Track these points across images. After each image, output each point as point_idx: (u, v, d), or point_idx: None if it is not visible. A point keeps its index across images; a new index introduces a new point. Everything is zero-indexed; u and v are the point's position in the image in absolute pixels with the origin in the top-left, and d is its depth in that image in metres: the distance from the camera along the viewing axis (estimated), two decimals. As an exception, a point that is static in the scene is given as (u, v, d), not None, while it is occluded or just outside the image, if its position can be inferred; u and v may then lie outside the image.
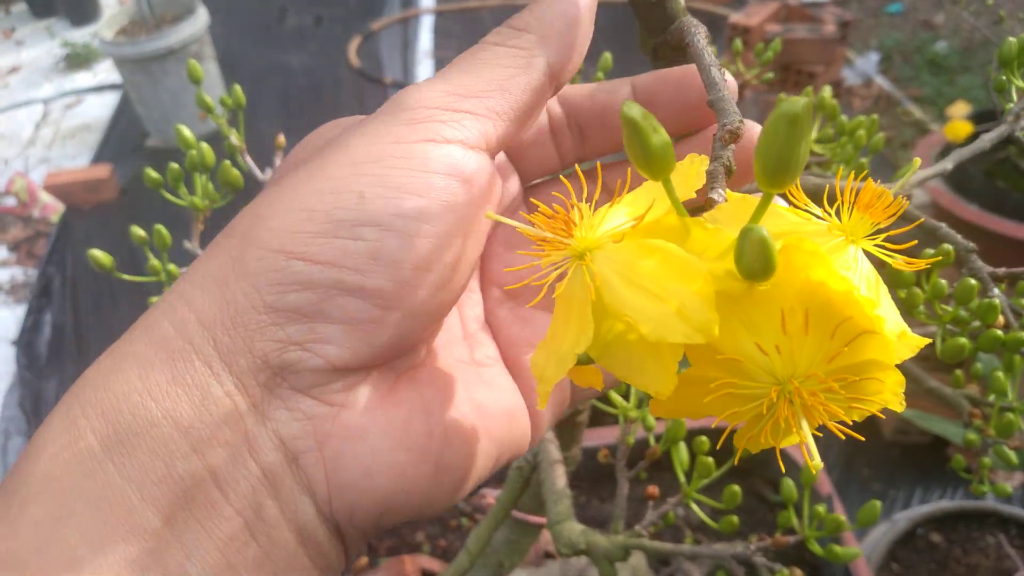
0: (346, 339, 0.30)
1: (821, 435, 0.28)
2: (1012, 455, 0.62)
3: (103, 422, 0.27)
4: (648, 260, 0.27)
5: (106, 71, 4.10)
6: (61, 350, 2.64)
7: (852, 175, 0.30)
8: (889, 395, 0.29)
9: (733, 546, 0.60)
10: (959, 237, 0.48)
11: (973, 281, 0.46)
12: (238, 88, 0.69)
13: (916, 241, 0.28)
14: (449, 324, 0.39)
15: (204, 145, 0.58)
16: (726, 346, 0.27)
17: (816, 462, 0.25)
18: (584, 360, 0.30)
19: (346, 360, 0.30)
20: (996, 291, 0.46)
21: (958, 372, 0.69)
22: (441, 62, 3.84)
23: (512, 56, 0.34)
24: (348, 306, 0.29)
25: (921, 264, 0.28)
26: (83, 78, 4.13)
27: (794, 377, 0.27)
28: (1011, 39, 0.57)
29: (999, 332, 0.46)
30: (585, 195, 0.30)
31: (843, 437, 0.27)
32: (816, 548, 0.59)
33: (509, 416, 0.37)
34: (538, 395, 0.29)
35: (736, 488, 0.58)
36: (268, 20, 4.40)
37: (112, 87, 3.98)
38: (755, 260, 0.25)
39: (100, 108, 3.86)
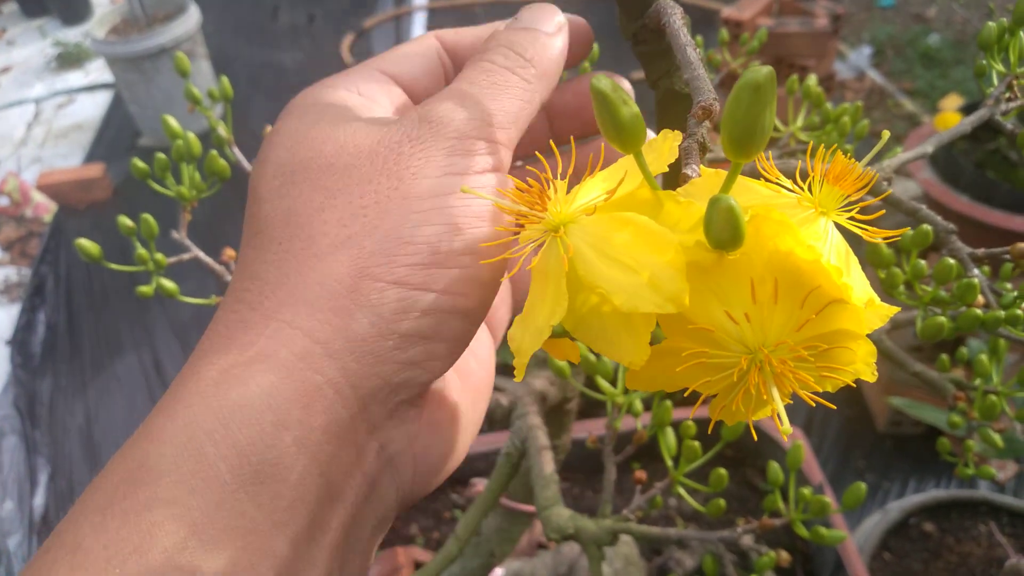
0: (449, 354, 0.34)
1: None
2: (997, 438, 0.63)
3: (235, 453, 0.28)
4: (621, 232, 0.27)
5: (98, 70, 4.10)
6: (55, 349, 2.64)
7: (821, 149, 0.30)
8: (861, 365, 0.29)
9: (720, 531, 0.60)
10: (939, 218, 0.48)
11: (952, 261, 0.46)
12: (225, 80, 0.69)
13: (883, 211, 0.28)
14: None
15: (190, 135, 0.58)
16: (697, 316, 0.27)
17: (786, 427, 0.25)
18: (559, 332, 0.30)
19: (445, 368, 0.34)
20: (976, 271, 0.47)
21: (944, 356, 0.69)
22: (434, 59, 3.84)
23: (522, 89, 0.37)
24: (456, 325, 0.33)
25: (890, 233, 0.28)
26: (75, 77, 4.12)
27: (764, 345, 0.27)
28: (991, 23, 0.57)
29: (978, 311, 0.47)
30: (560, 171, 0.30)
31: (813, 404, 0.27)
32: (802, 530, 0.59)
33: (490, 352, 0.43)
34: (516, 367, 0.30)
35: (723, 471, 0.59)
36: (261, 18, 4.40)
37: (104, 86, 3.98)
38: (724, 229, 0.25)
39: (92, 107, 3.86)
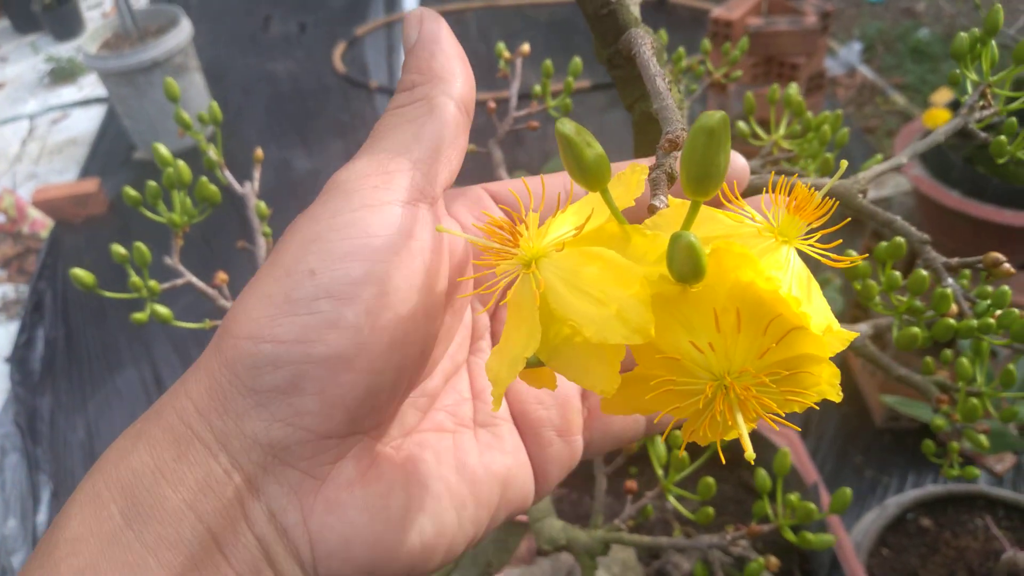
0: (322, 407, 0.32)
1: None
2: (982, 439, 0.64)
3: (122, 495, 0.31)
4: (590, 267, 0.29)
5: (91, 85, 4.11)
6: (54, 365, 2.64)
7: (782, 179, 0.31)
8: (825, 387, 0.30)
9: (711, 537, 0.61)
10: (913, 229, 0.49)
11: (925, 272, 0.47)
12: (215, 104, 0.70)
13: (840, 241, 0.29)
14: (458, 385, 0.42)
15: (180, 163, 0.59)
16: (665, 345, 0.29)
17: (749, 453, 0.27)
18: (535, 363, 0.31)
19: (327, 428, 0.33)
20: (950, 281, 0.48)
21: (928, 359, 0.70)
22: (426, 65, 3.84)
23: (415, 108, 0.36)
24: (318, 376, 0.32)
25: (849, 261, 0.29)
26: (68, 92, 4.13)
27: (729, 372, 0.28)
28: (962, 34, 0.59)
29: (952, 321, 0.48)
30: (532, 205, 0.32)
31: (776, 428, 0.28)
32: (790, 535, 0.60)
33: (504, 478, 0.40)
34: (493, 397, 0.31)
35: (711, 480, 0.60)
36: (253, 29, 4.41)
37: (98, 101, 3.99)
38: (685, 264, 0.26)
39: (86, 122, 3.87)
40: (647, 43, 0.39)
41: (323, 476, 0.33)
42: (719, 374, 0.28)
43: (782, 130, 0.80)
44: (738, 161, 0.40)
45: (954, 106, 2.19)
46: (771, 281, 0.27)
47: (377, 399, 0.33)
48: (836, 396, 0.31)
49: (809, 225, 0.30)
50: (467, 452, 0.39)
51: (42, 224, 3.15)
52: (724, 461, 0.29)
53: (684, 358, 0.28)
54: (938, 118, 1.85)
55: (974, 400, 0.58)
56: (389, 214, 0.33)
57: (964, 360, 0.61)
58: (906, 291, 0.49)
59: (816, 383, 0.30)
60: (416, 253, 0.34)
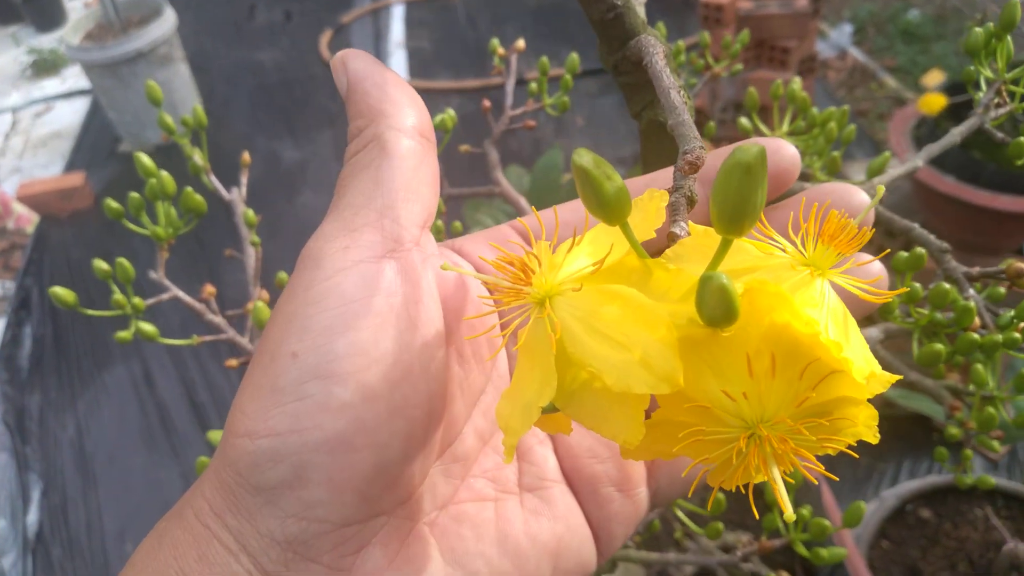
0: (332, 495, 0.30)
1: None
2: (996, 444, 0.62)
3: None
4: (609, 307, 0.26)
5: (75, 77, 4.05)
6: (42, 363, 2.61)
7: (815, 207, 0.29)
8: (862, 428, 0.28)
9: (717, 552, 0.59)
10: (932, 237, 0.47)
11: (947, 285, 0.45)
12: (199, 108, 0.67)
13: (881, 277, 0.27)
14: (499, 445, 0.39)
15: (164, 174, 0.57)
16: (693, 392, 0.26)
17: (789, 514, 0.24)
18: (549, 409, 0.29)
19: (343, 516, 0.30)
20: (971, 291, 0.46)
21: (940, 366, 0.68)
22: (413, 52, 3.81)
23: (367, 153, 0.34)
24: (321, 463, 0.29)
25: (888, 297, 0.27)
26: (51, 85, 4.07)
27: (763, 422, 0.26)
28: (977, 29, 0.56)
29: (975, 336, 0.46)
30: (544, 235, 0.29)
31: (815, 482, 0.26)
32: (803, 551, 0.58)
33: (556, 548, 0.37)
34: (504, 448, 0.28)
35: (721, 496, 0.58)
36: (237, 18, 4.35)
37: (82, 93, 3.93)
38: (716, 308, 0.24)
39: (70, 114, 3.81)
40: (659, 52, 0.37)
41: (348, 567, 0.31)
42: (752, 423, 0.26)
43: (785, 126, 0.78)
44: (787, 151, 0.36)
45: (947, 89, 2.17)
46: (810, 324, 0.25)
47: (389, 475, 0.31)
48: (874, 438, 0.29)
49: (841, 256, 0.28)
50: (510, 522, 0.36)
51: (27, 219, 3.11)
52: (756, 514, 0.27)
53: (714, 406, 0.26)
54: (933, 103, 1.83)
55: (991, 409, 0.56)
56: (364, 274, 0.31)
57: (979, 367, 0.59)
58: (927, 303, 0.47)
59: (853, 425, 0.28)
60: (400, 308, 0.31)
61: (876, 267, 0.35)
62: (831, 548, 0.59)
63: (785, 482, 0.26)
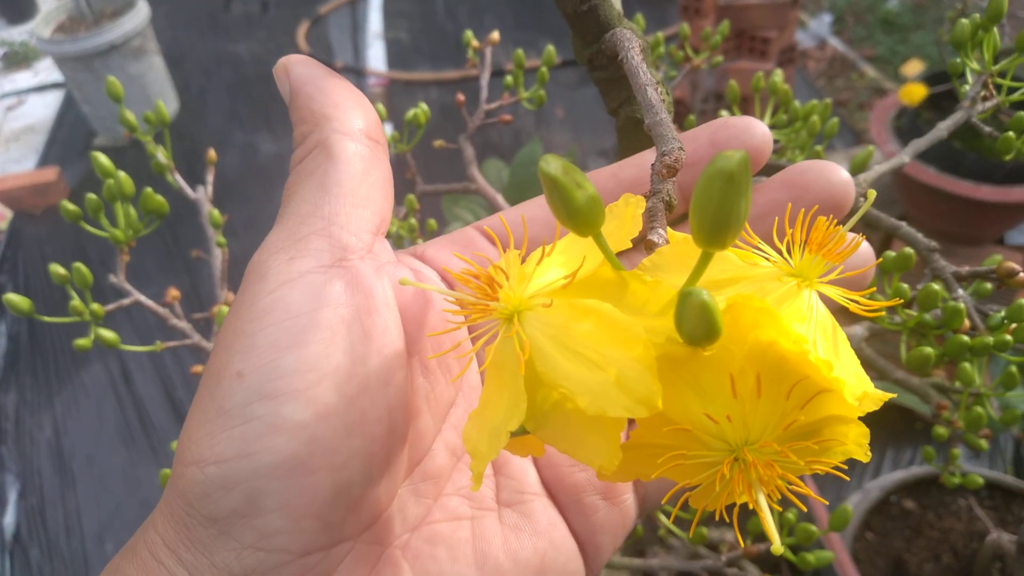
0: (289, 523, 0.28)
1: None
2: (983, 443, 0.61)
3: None
4: (582, 323, 0.24)
5: (47, 70, 3.98)
6: (18, 362, 2.57)
7: (801, 214, 0.27)
8: (853, 447, 0.27)
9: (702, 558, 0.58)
10: (920, 236, 0.45)
11: (937, 287, 0.44)
12: (161, 104, 0.65)
13: (874, 288, 0.25)
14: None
15: (122, 174, 0.54)
16: (674, 413, 0.25)
17: (776, 547, 0.23)
18: (520, 432, 0.27)
19: (302, 544, 0.28)
20: (960, 292, 0.44)
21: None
22: (392, 43, 3.77)
23: (312, 159, 0.32)
24: (274, 489, 0.27)
25: (879, 306, 0.26)
26: (23, 78, 4.00)
27: (747, 445, 0.24)
28: (964, 20, 0.55)
29: (965, 338, 0.44)
30: (512, 245, 0.27)
31: (804, 508, 0.24)
32: (789, 556, 0.57)
33: (539, 565, 0.35)
34: (472, 474, 0.27)
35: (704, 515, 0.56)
36: (213, 9, 4.29)
37: (54, 86, 3.86)
38: (697, 326, 0.22)
39: (43, 108, 3.75)
40: (635, 46, 0.35)
41: None
42: (736, 446, 0.24)
43: (767, 119, 0.76)
44: (757, 130, 0.34)
45: (926, 79, 2.16)
46: (798, 343, 0.23)
47: (351, 497, 0.29)
48: (865, 457, 0.27)
49: (829, 265, 0.27)
50: (489, 541, 0.34)
51: (1, 216, 3.06)
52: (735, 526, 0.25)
53: (696, 429, 0.24)
54: (914, 93, 1.82)
55: (979, 409, 0.55)
56: (310, 286, 0.29)
57: (966, 365, 0.58)
58: (915, 304, 0.46)
59: (843, 443, 0.26)
60: (351, 320, 0.29)
61: (864, 250, 0.34)
62: (817, 552, 0.57)
63: (771, 508, 0.24)
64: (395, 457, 0.31)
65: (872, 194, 0.27)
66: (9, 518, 2.14)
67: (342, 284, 0.30)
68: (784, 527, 0.58)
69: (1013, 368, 0.57)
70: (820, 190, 0.34)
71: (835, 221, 0.26)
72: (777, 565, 1.17)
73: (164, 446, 2.19)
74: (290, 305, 0.29)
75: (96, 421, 2.33)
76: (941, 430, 0.58)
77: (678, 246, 0.27)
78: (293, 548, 0.28)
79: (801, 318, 0.25)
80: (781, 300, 0.26)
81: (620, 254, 0.27)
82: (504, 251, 0.27)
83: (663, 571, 0.80)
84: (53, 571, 2.00)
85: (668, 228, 0.28)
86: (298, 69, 0.33)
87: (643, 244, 0.28)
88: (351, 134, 0.32)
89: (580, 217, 0.24)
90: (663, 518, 0.61)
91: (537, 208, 0.36)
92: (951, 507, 1.44)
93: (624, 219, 0.28)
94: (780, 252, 0.27)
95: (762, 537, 0.59)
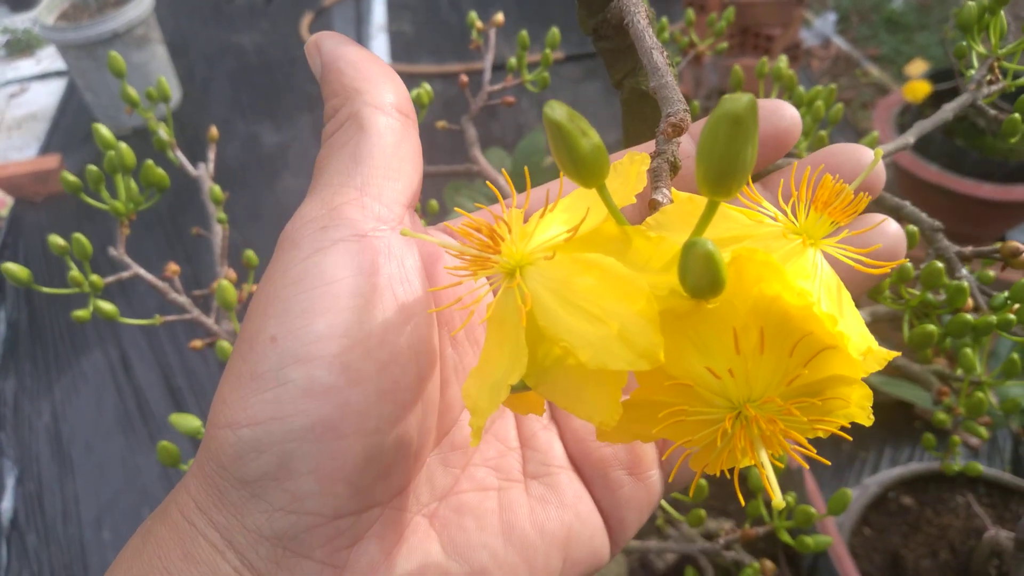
0: (321, 486, 0.28)
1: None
2: (983, 430, 0.61)
3: None
4: (585, 277, 0.24)
5: (50, 57, 3.97)
6: (17, 348, 2.57)
7: (807, 171, 0.27)
8: (855, 409, 0.26)
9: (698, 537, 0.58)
10: (924, 216, 0.45)
11: (940, 264, 0.43)
12: (163, 80, 0.65)
13: (879, 245, 0.25)
14: (501, 431, 0.37)
15: (123, 145, 0.54)
16: (675, 369, 0.24)
17: (777, 500, 0.22)
18: (520, 387, 0.27)
19: (334, 508, 0.28)
20: (964, 271, 0.44)
21: (927, 350, 0.67)
22: (396, 36, 3.77)
23: (344, 132, 0.32)
24: (307, 452, 0.28)
25: (886, 265, 0.25)
26: (26, 65, 3.99)
27: (750, 401, 0.24)
28: (970, 2, 0.55)
29: (968, 316, 0.44)
30: (515, 203, 0.27)
31: (806, 466, 0.24)
32: (787, 538, 0.57)
33: (565, 537, 0.35)
34: (471, 429, 0.26)
35: (703, 483, 0.56)
36: (217, -1, 4.29)
37: (57, 74, 3.86)
38: (701, 277, 0.22)
39: (46, 96, 3.74)
40: (641, 11, 0.35)
41: (343, 563, 0.29)
42: (739, 402, 0.24)
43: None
44: (787, 111, 0.33)
45: (931, 77, 2.16)
46: (803, 296, 0.23)
47: (381, 463, 0.29)
48: (867, 420, 0.27)
49: (835, 224, 0.26)
50: (516, 512, 0.34)
51: (2, 202, 3.05)
52: (743, 502, 0.25)
53: (698, 385, 0.24)
54: (918, 90, 1.82)
55: (979, 394, 0.55)
56: (344, 253, 0.29)
57: (968, 351, 0.57)
58: (918, 283, 0.46)
59: (845, 405, 0.26)
60: (384, 287, 0.29)
61: (892, 229, 0.33)
62: (816, 536, 0.57)
63: (773, 467, 0.24)
64: (425, 425, 0.31)
65: (880, 152, 0.27)
66: (7, 504, 2.14)
67: (374, 253, 0.30)
68: (783, 511, 0.58)
69: (1015, 355, 0.57)
70: (851, 171, 0.34)
71: (840, 180, 0.26)
72: (774, 554, 1.17)
73: (163, 433, 2.19)
74: (324, 272, 0.29)
75: (95, 408, 2.33)
76: (942, 416, 0.58)
77: (682, 205, 0.27)
78: (324, 511, 0.28)
79: (806, 275, 0.25)
80: (786, 258, 0.25)
81: (623, 213, 0.27)
82: (507, 211, 0.27)
83: (662, 553, 0.80)
84: (50, 557, 2.00)
85: (672, 188, 0.28)
86: (329, 44, 0.34)
87: (647, 204, 0.27)
88: (382, 107, 0.33)
89: (584, 166, 0.23)
90: (661, 501, 0.61)
91: (549, 190, 0.36)
92: (949, 504, 1.44)
93: (628, 176, 0.28)
94: (786, 212, 0.27)
95: (760, 521, 0.59)
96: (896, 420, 1.97)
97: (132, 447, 2.19)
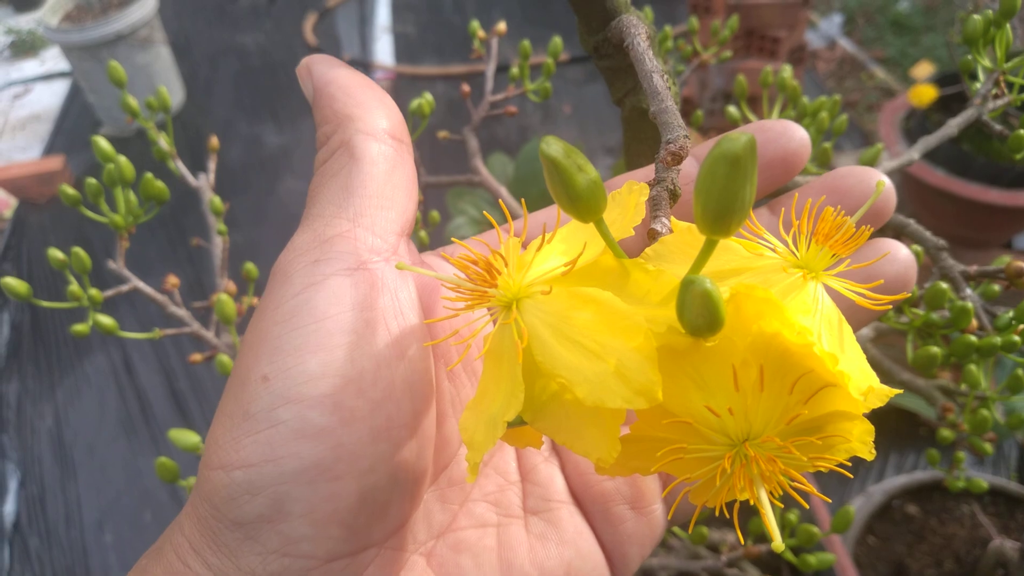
0: (315, 528, 0.27)
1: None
2: (988, 446, 0.60)
3: None
4: (582, 312, 0.24)
5: (54, 58, 3.98)
6: (20, 350, 2.57)
7: (808, 203, 0.26)
8: (857, 444, 0.26)
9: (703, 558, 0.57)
10: (929, 234, 0.45)
11: (944, 285, 0.43)
12: (163, 90, 0.64)
13: (882, 281, 0.25)
14: (500, 464, 0.36)
15: (122, 159, 0.54)
16: (674, 406, 0.24)
17: (777, 544, 0.22)
18: (517, 422, 0.26)
19: (328, 550, 0.28)
20: (968, 291, 0.44)
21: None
22: (400, 37, 3.76)
23: (336, 160, 0.32)
24: (300, 495, 0.27)
25: (887, 301, 0.25)
26: (30, 67, 4.00)
27: (749, 439, 0.23)
28: (976, 16, 0.54)
29: (973, 338, 0.43)
30: (512, 232, 0.27)
31: (806, 505, 0.24)
32: (790, 557, 0.56)
33: (565, 573, 0.34)
34: (468, 465, 0.26)
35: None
36: (221, 0, 4.28)
37: (61, 75, 3.86)
38: (699, 316, 0.21)
39: (50, 97, 3.75)
40: (641, 33, 0.34)
41: None
42: (738, 439, 0.24)
43: (775, 115, 0.75)
44: (796, 133, 0.33)
45: (937, 81, 2.15)
46: (803, 335, 0.22)
47: (376, 503, 0.29)
48: (869, 455, 0.26)
49: (836, 257, 0.26)
50: (515, 550, 0.34)
51: (5, 204, 3.06)
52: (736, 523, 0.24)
53: (697, 422, 0.24)
54: (924, 95, 1.81)
55: (984, 412, 0.54)
56: (336, 288, 0.29)
57: (972, 367, 0.57)
58: (922, 303, 0.45)
59: (847, 440, 0.26)
60: (377, 322, 0.29)
61: (902, 255, 0.33)
62: (819, 554, 0.57)
63: (773, 505, 0.24)
64: (421, 462, 0.31)
65: (882, 184, 0.26)
66: (9, 506, 2.14)
67: (367, 287, 0.29)
68: (786, 528, 0.58)
69: (1020, 371, 0.56)
70: (861, 195, 0.33)
71: (842, 212, 0.25)
72: (778, 568, 1.16)
73: (165, 437, 2.19)
74: (315, 308, 0.28)
75: (97, 411, 2.33)
76: (946, 433, 0.58)
77: (682, 235, 0.27)
78: (318, 554, 0.28)
79: (806, 310, 0.24)
80: (786, 292, 0.25)
81: (622, 243, 0.26)
82: (504, 241, 0.26)
83: (663, 571, 0.80)
84: (52, 560, 2.00)
85: (672, 217, 0.28)
86: (320, 68, 0.33)
87: (646, 233, 0.27)
88: (375, 134, 0.32)
89: (581, 202, 0.23)
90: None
91: (547, 215, 0.35)
92: (954, 513, 1.43)
93: (627, 207, 0.27)
94: (786, 244, 0.26)
95: (763, 538, 0.58)
96: (900, 426, 1.97)
97: (134, 450, 2.19)
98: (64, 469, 2.21)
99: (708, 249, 0.23)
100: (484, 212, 0.29)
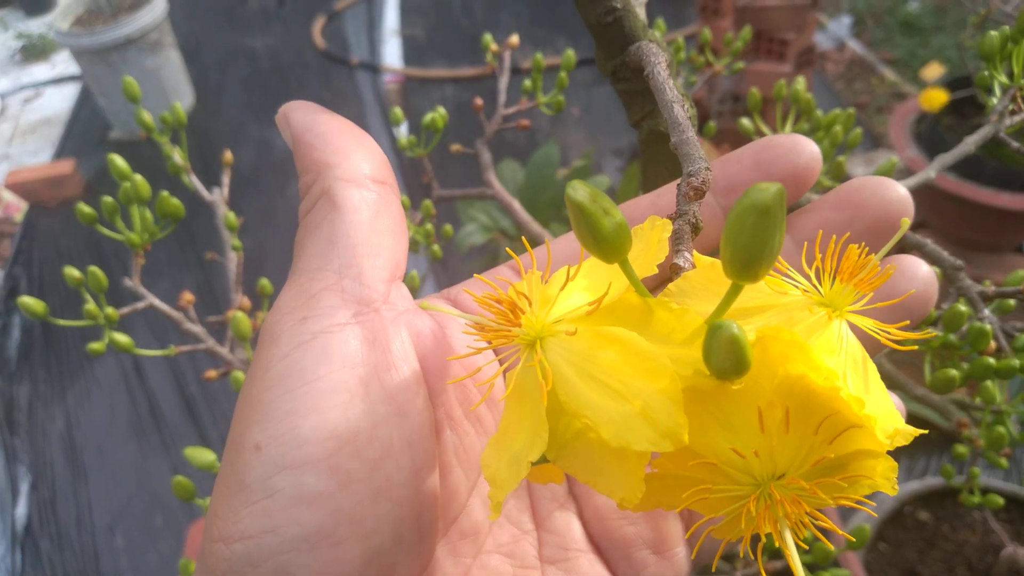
0: None
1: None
2: (1004, 461, 0.60)
3: None
4: (607, 352, 0.24)
5: (65, 62, 3.99)
6: (31, 353, 2.58)
7: (832, 240, 0.26)
8: (880, 480, 0.26)
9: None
10: (946, 255, 0.45)
11: (963, 307, 0.43)
12: (177, 106, 0.64)
13: (907, 322, 0.25)
14: (514, 515, 0.35)
15: (138, 177, 0.54)
16: (699, 446, 0.24)
17: (801, 584, 0.22)
18: (539, 460, 0.26)
19: None
20: (987, 312, 0.43)
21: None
22: (408, 40, 3.77)
23: (318, 210, 0.31)
24: (303, 562, 0.26)
25: (910, 339, 0.25)
26: (41, 70, 4.01)
27: (774, 480, 0.23)
28: (993, 32, 0.54)
29: (991, 360, 0.43)
30: (534, 267, 0.27)
31: (831, 547, 0.24)
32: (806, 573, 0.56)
33: None
34: (491, 503, 0.26)
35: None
36: (230, 3, 4.30)
37: (71, 79, 3.88)
38: (726, 360, 0.22)
39: (60, 101, 3.76)
40: (661, 62, 0.34)
41: None
42: (763, 480, 0.24)
43: (788, 128, 0.75)
44: (806, 148, 0.32)
45: (947, 83, 2.14)
46: (829, 378, 0.22)
47: (383, 564, 0.28)
48: (892, 490, 0.26)
49: (860, 295, 0.26)
50: None
51: (16, 207, 3.07)
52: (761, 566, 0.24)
53: (722, 463, 0.24)
54: (935, 99, 1.81)
55: (1000, 429, 0.54)
56: (324, 347, 0.28)
57: (989, 383, 0.57)
58: (939, 323, 0.45)
59: (870, 477, 0.25)
60: (370, 379, 0.28)
61: (923, 272, 0.32)
62: (833, 571, 0.56)
63: (797, 545, 0.24)
64: (427, 518, 0.30)
65: (907, 223, 0.26)
66: (21, 510, 2.15)
67: (358, 341, 0.29)
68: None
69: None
70: (876, 207, 0.32)
71: (866, 249, 0.25)
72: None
73: (175, 440, 2.20)
74: (304, 370, 0.28)
75: (108, 414, 2.34)
76: (962, 448, 0.57)
77: (705, 271, 0.27)
78: None
79: (831, 350, 0.24)
80: (810, 331, 0.25)
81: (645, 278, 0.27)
82: (526, 276, 0.26)
83: None
84: (64, 563, 2.01)
85: (695, 251, 0.28)
86: (298, 116, 0.32)
87: (669, 268, 0.27)
88: (356, 180, 0.31)
89: (607, 245, 0.23)
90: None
91: (565, 243, 0.35)
92: (966, 519, 1.43)
93: (650, 243, 0.27)
94: (810, 279, 0.26)
95: (778, 554, 0.58)
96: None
97: (144, 453, 2.20)
98: (75, 472, 2.22)
99: (734, 293, 0.23)
100: (508, 250, 0.29)
